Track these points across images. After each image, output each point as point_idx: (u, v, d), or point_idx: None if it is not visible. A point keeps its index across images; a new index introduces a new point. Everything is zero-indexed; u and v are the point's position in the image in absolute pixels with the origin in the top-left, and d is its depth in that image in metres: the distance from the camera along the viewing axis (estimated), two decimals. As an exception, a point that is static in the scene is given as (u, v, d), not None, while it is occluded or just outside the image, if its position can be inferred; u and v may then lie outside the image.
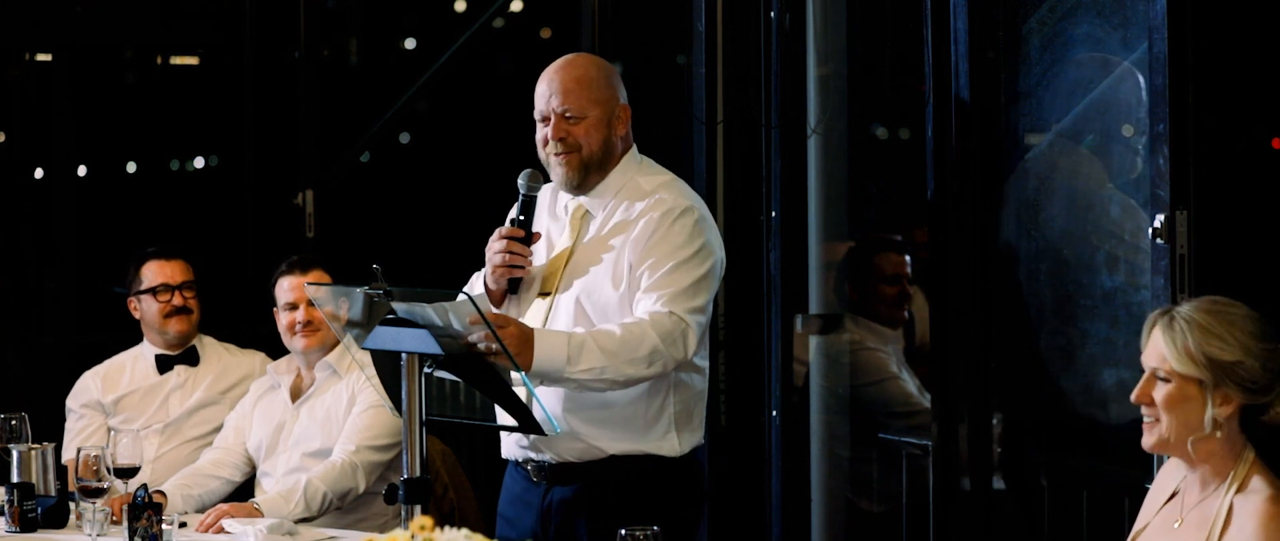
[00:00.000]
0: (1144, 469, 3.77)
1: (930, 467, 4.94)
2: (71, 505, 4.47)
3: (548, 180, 4.20)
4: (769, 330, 5.48)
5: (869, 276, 5.54)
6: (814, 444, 5.49)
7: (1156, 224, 4.07)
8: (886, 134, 5.75)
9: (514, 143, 4.94)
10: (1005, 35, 4.85)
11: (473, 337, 3.80)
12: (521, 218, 4.15)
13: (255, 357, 5.43)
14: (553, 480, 4.15)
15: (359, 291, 3.87)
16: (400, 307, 3.81)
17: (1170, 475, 3.38)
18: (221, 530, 4.44)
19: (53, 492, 4.49)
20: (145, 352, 5.43)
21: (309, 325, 4.95)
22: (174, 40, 7.21)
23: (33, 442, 4.58)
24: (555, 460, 4.13)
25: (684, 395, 4.14)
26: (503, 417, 3.93)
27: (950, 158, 4.87)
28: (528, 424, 3.90)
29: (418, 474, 3.82)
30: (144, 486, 4.20)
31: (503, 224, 4.18)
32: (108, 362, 5.45)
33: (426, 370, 3.83)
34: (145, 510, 4.12)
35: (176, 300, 5.36)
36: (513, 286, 4.17)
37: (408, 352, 3.81)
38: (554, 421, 3.98)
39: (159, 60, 7.32)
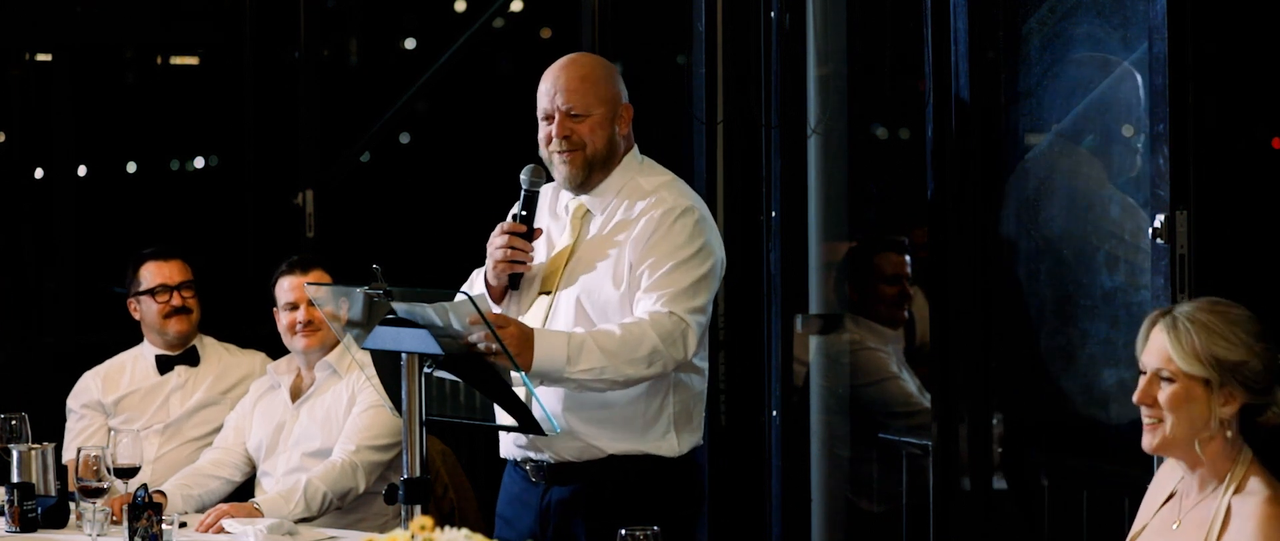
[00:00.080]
0: (1144, 469, 3.77)
1: (930, 467, 4.94)
2: (71, 505, 4.47)
3: (550, 177, 4.20)
4: (769, 330, 5.48)
5: (869, 276, 5.54)
6: (814, 444, 5.49)
7: (1156, 224, 4.07)
8: (886, 134, 5.75)
9: (514, 142, 4.95)
10: (1005, 35, 4.85)
11: (473, 337, 3.80)
12: (523, 213, 4.16)
13: (255, 357, 5.43)
14: (551, 480, 4.15)
15: (359, 291, 3.87)
16: (400, 307, 3.81)
17: (1168, 476, 3.38)
18: (221, 530, 4.44)
19: (53, 492, 4.49)
20: (145, 353, 5.42)
21: (309, 325, 4.95)
22: (174, 40, 7.21)
23: (33, 442, 4.58)
24: (554, 460, 4.13)
25: (683, 395, 4.14)
26: (502, 417, 3.93)
27: (950, 157, 4.86)
28: (527, 424, 3.90)
29: (418, 474, 3.82)
30: (144, 486, 4.20)
31: (504, 221, 4.18)
32: (108, 363, 5.45)
33: (426, 370, 3.83)
34: (145, 510, 4.12)
35: (175, 300, 5.36)
36: (514, 282, 4.17)
37: (408, 352, 3.81)
38: (553, 421, 3.98)
39: (159, 60, 7.32)
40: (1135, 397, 3.27)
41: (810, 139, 5.46)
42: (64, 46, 6.99)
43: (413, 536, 2.65)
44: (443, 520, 4.45)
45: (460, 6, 7.40)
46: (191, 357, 5.40)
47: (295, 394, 5.03)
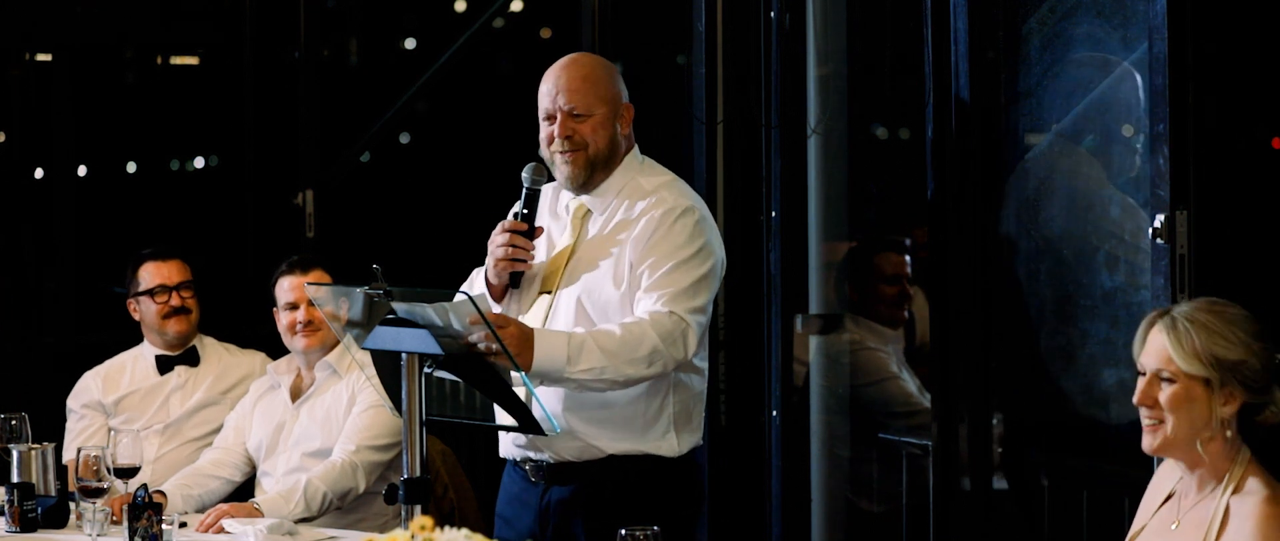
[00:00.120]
0: (1144, 469, 3.77)
1: (930, 467, 4.94)
2: (71, 505, 4.47)
3: (552, 176, 4.20)
4: (769, 330, 5.48)
5: (869, 276, 5.54)
6: (814, 444, 5.49)
7: (1156, 224, 4.07)
8: (886, 134, 5.75)
9: (514, 143, 4.95)
10: (1005, 35, 4.85)
11: (473, 337, 3.80)
12: (525, 211, 4.16)
13: (255, 357, 5.43)
14: (551, 480, 4.15)
15: (359, 291, 3.87)
16: (400, 307, 3.81)
17: (1166, 476, 3.38)
18: (221, 530, 4.44)
19: (53, 492, 4.49)
20: (145, 353, 5.42)
21: (309, 325, 4.95)
22: (174, 40, 7.21)
23: (33, 442, 4.58)
24: (554, 459, 4.13)
25: (683, 395, 4.14)
26: (502, 417, 3.93)
27: (950, 157, 4.86)
28: (527, 424, 3.90)
29: (418, 474, 3.82)
30: (144, 486, 4.20)
31: (505, 219, 4.18)
32: (108, 363, 5.45)
33: (426, 370, 3.83)
34: (145, 510, 4.12)
35: (174, 301, 5.36)
36: (515, 281, 4.17)
37: (408, 352, 3.81)
38: (553, 421, 3.97)
39: (159, 60, 7.32)
40: (1135, 399, 3.26)
41: (810, 139, 5.46)
42: (64, 46, 6.99)
43: (413, 536, 2.65)
44: (443, 520, 4.45)
45: (460, 6, 7.40)
46: (191, 358, 5.40)
47: (295, 394, 5.03)
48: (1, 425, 4.67)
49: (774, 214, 5.45)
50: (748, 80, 5.55)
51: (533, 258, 4.16)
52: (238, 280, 6.54)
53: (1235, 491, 3.20)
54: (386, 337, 3.85)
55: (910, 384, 5.46)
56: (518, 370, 3.84)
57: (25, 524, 4.40)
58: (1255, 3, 4.35)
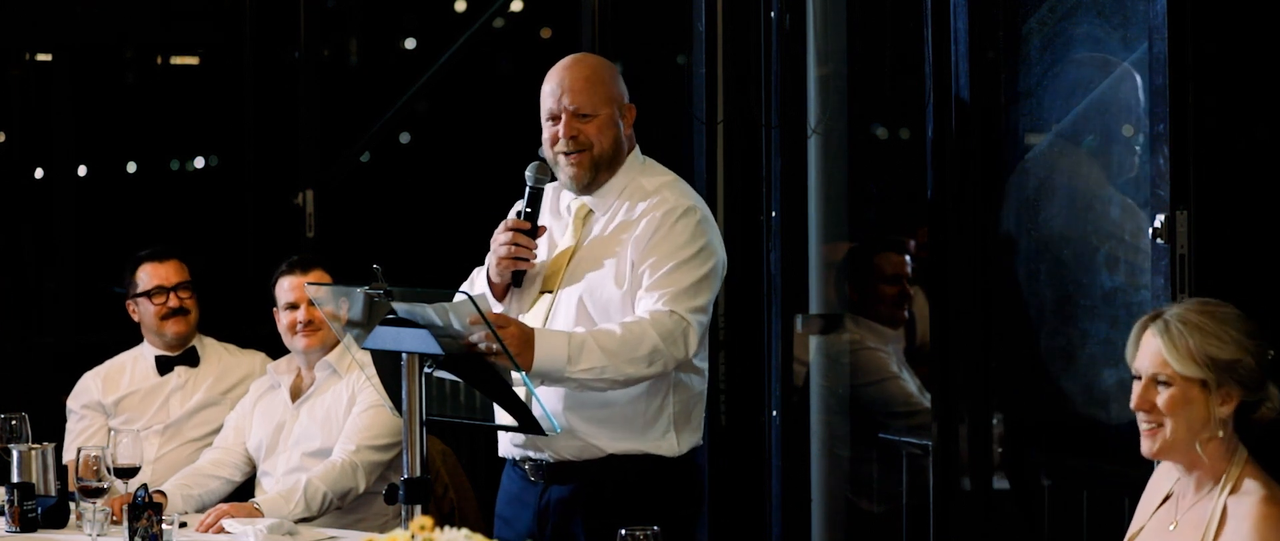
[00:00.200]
0: (1144, 469, 3.77)
1: (930, 467, 4.94)
2: (71, 505, 4.47)
3: (555, 176, 4.20)
4: (769, 330, 5.47)
5: (869, 276, 5.54)
6: (814, 444, 5.49)
7: (1156, 224, 4.07)
8: (886, 134, 5.75)
9: (514, 142, 4.95)
10: (1005, 35, 4.85)
11: (473, 337, 3.80)
12: (528, 210, 4.16)
13: (255, 358, 5.43)
14: (550, 479, 4.15)
15: (359, 291, 3.87)
16: (400, 307, 3.81)
17: (1164, 477, 3.39)
18: (221, 530, 4.44)
19: (53, 492, 4.49)
20: (145, 353, 5.42)
21: (309, 325, 4.95)
22: (174, 40, 7.22)
23: (33, 442, 4.58)
24: (553, 458, 4.13)
25: (683, 395, 4.14)
26: (502, 417, 3.93)
27: (950, 158, 4.86)
28: (527, 423, 3.90)
29: (418, 474, 3.82)
30: (144, 486, 4.20)
31: (507, 218, 4.18)
32: (108, 363, 5.45)
33: (426, 370, 3.83)
34: (145, 510, 4.12)
35: (172, 301, 5.36)
36: (516, 280, 4.17)
37: (408, 352, 3.81)
38: (553, 421, 3.97)
39: (159, 60, 7.32)
40: (1133, 404, 3.26)
41: (810, 139, 5.45)
42: (64, 46, 6.99)
43: (413, 536, 2.65)
44: (443, 520, 4.45)
45: (460, 6, 7.40)
46: (191, 358, 5.40)
47: (295, 394, 5.03)
48: (1, 425, 4.67)
49: (774, 214, 5.45)
50: (748, 80, 5.55)
51: (535, 256, 4.16)
52: (238, 280, 6.54)
53: (1232, 492, 3.20)
54: (386, 337, 3.85)
55: (910, 384, 5.46)
56: (518, 370, 3.84)
57: (25, 524, 4.40)
58: (1255, 3, 4.35)
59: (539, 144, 4.20)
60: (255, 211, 6.79)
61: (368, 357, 4.07)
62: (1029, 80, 4.77)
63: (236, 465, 5.02)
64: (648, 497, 4.09)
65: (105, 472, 4.28)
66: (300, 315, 4.96)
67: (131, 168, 7.25)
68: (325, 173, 6.63)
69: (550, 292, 4.14)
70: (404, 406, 3.83)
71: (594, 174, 4.14)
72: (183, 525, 4.45)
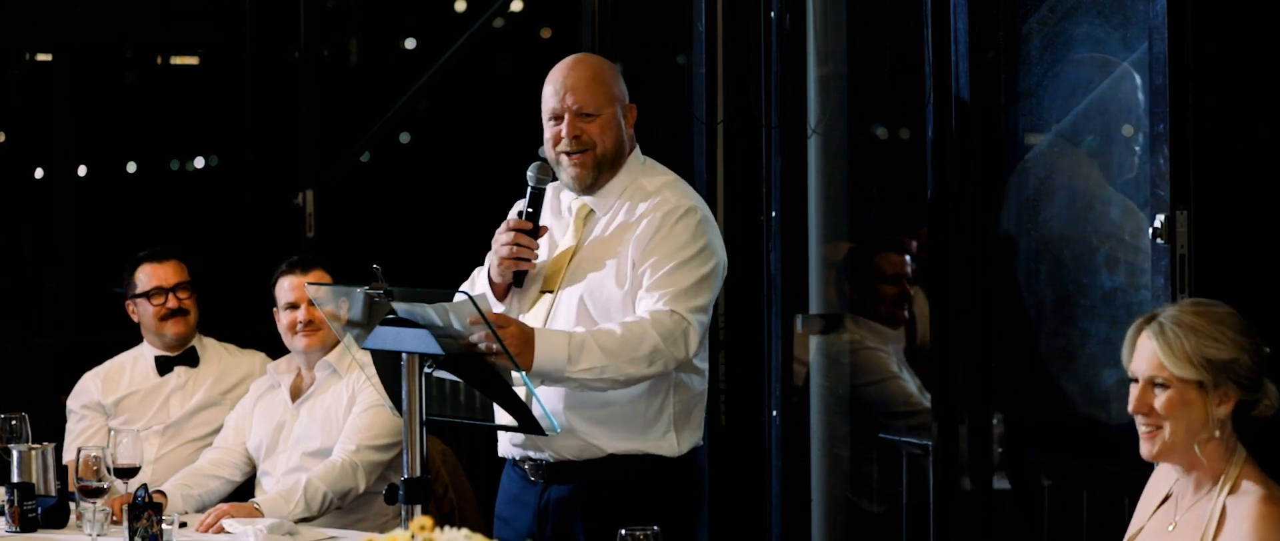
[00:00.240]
0: (1144, 469, 3.77)
1: (930, 467, 4.94)
2: (71, 505, 4.47)
3: (556, 176, 4.20)
4: (769, 330, 5.48)
5: (869, 276, 5.54)
6: (814, 444, 5.49)
7: (1156, 224, 4.07)
8: (886, 134, 5.75)
9: (514, 142, 4.95)
10: (1005, 35, 4.85)
11: (473, 338, 3.80)
12: (530, 210, 4.15)
13: (255, 358, 5.43)
14: (550, 479, 4.15)
15: (359, 291, 3.87)
16: (400, 307, 3.81)
17: (1163, 478, 3.39)
18: (221, 530, 4.44)
19: (53, 492, 4.49)
20: (145, 354, 5.42)
21: (309, 324, 4.95)
22: (174, 40, 7.22)
23: (33, 442, 4.58)
24: (553, 458, 4.13)
25: (683, 395, 4.14)
26: (502, 417, 3.93)
27: (950, 158, 4.86)
28: (527, 423, 3.90)
29: (418, 474, 3.82)
30: (144, 486, 4.20)
31: (505, 220, 4.17)
32: (108, 363, 5.45)
33: (427, 370, 3.83)
34: (145, 510, 4.12)
35: (171, 302, 5.35)
36: (517, 280, 4.17)
37: (408, 352, 3.81)
38: (553, 420, 3.97)
39: (159, 60, 7.32)
40: (1131, 407, 3.26)
41: (810, 139, 5.45)
42: (64, 46, 6.99)
43: (413, 536, 2.65)
44: (443, 520, 4.45)
45: (460, 6, 7.40)
46: (191, 358, 5.39)
47: (295, 393, 5.03)
48: (1, 425, 4.67)
49: (774, 214, 5.45)
50: (748, 80, 5.55)
51: (537, 256, 4.16)
52: (238, 280, 6.54)
53: (1231, 492, 3.20)
54: (386, 337, 3.85)
55: (910, 384, 5.46)
56: (518, 370, 3.84)
57: (25, 524, 4.40)
58: (1255, 3, 4.35)
59: (539, 144, 4.20)
60: (255, 211, 6.79)
61: (368, 357, 4.07)
62: (1029, 80, 4.78)
63: (236, 465, 5.02)
64: (648, 497, 4.09)
65: (105, 472, 4.28)
66: (300, 315, 4.96)
67: (131, 168, 7.25)
68: (325, 173, 6.63)
69: (551, 292, 4.14)
70: (404, 406, 3.83)
71: (597, 174, 4.14)
72: (183, 525, 4.45)
